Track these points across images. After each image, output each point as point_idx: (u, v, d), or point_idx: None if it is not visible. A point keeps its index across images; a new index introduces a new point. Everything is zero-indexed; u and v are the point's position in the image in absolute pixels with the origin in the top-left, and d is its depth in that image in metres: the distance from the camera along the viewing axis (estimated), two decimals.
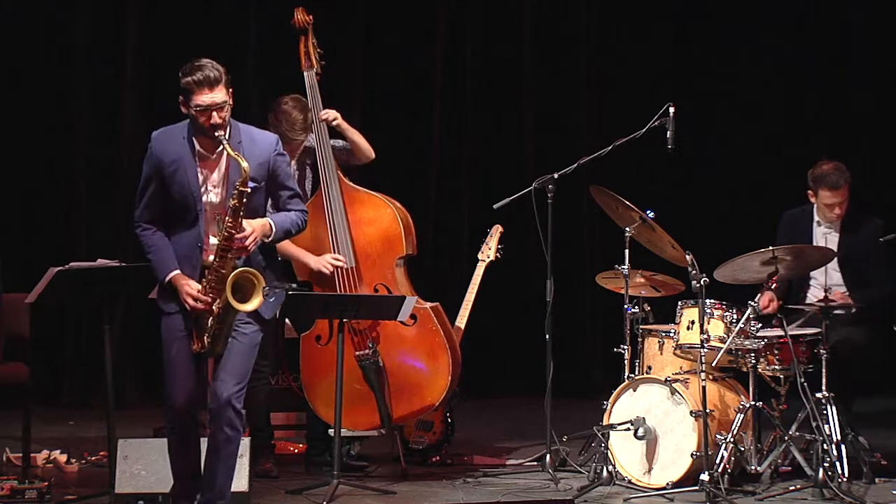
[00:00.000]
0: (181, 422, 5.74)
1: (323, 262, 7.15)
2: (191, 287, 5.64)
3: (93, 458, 7.49)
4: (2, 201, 9.46)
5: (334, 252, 7.17)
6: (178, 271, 5.68)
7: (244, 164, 5.56)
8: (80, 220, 9.73)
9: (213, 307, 5.62)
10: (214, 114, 5.59)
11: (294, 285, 5.98)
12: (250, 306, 5.60)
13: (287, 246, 7.08)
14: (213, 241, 5.67)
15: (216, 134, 5.58)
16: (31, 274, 6.55)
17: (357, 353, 7.12)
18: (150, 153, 5.73)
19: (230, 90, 5.66)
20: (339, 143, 7.38)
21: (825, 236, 7.41)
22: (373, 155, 7.44)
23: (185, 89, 5.62)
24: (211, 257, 5.65)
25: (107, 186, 9.71)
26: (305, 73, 7.34)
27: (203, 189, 5.69)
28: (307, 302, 6.91)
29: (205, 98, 5.58)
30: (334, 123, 7.29)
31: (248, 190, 5.57)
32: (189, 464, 5.80)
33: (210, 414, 5.75)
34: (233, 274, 5.58)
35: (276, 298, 5.85)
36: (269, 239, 5.74)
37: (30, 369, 7.09)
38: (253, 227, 5.62)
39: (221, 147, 5.63)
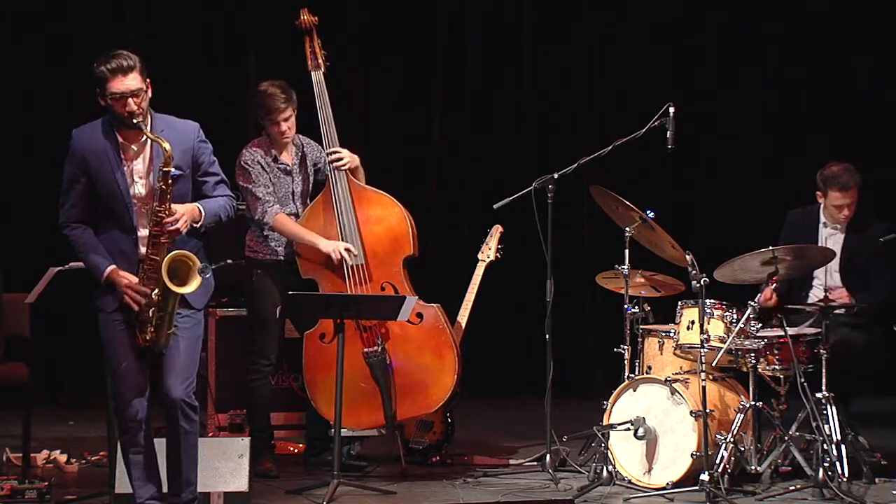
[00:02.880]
0: (134, 423, 5.71)
1: (333, 247, 7.13)
2: (129, 280, 5.61)
3: (93, 458, 7.49)
4: (2, 201, 9.46)
5: None
6: (113, 266, 5.64)
7: (165, 145, 5.54)
8: None
9: (153, 296, 5.59)
10: (130, 101, 5.55)
11: (230, 261, 5.89)
12: (189, 288, 5.57)
13: (299, 231, 7.11)
14: (145, 232, 5.64)
15: (133, 121, 5.54)
16: (31, 274, 6.54)
17: (365, 349, 7.13)
18: (72, 151, 5.70)
19: (147, 80, 5.64)
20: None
21: (830, 237, 7.41)
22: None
23: (99, 78, 5.58)
24: (143, 249, 5.63)
25: None
26: (312, 73, 7.35)
27: (130, 181, 5.66)
28: (308, 302, 6.91)
29: (119, 85, 5.55)
30: (345, 168, 7.25)
31: (172, 170, 5.55)
32: (146, 466, 5.78)
33: (165, 413, 5.73)
34: (167, 258, 5.55)
35: (206, 287, 5.75)
36: (199, 224, 5.69)
37: (30, 369, 7.10)
38: (182, 211, 5.60)
39: (144, 137, 5.60)
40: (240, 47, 9.94)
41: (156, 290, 5.58)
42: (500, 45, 10.42)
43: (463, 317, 7.52)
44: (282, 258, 7.28)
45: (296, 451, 7.74)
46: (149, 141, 5.60)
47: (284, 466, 7.33)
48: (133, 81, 5.56)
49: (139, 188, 5.66)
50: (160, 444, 5.85)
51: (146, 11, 9.80)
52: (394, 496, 6.74)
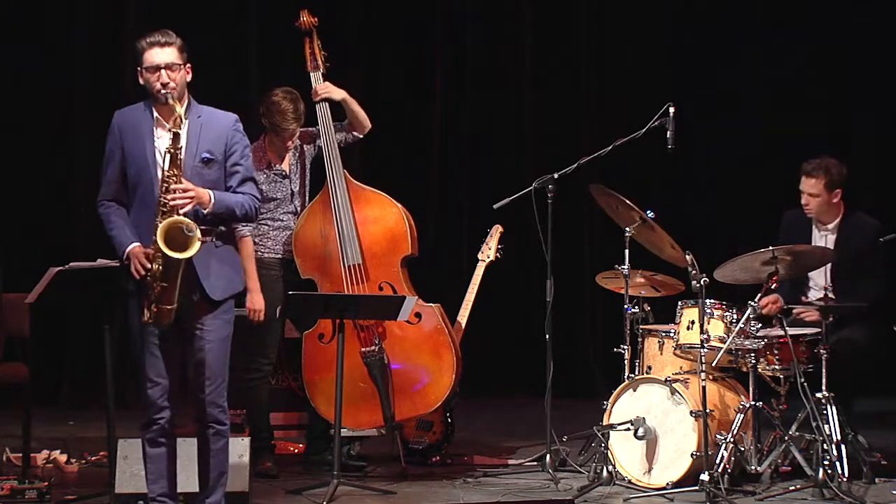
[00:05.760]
0: (155, 417, 5.66)
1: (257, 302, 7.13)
2: (141, 253, 5.58)
3: (93, 458, 7.49)
4: (2, 201, 9.46)
5: (341, 248, 7.17)
6: (136, 244, 5.62)
7: (179, 110, 5.55)
8: (80, 220, 9.72)
9: (154, 265, 5.54)
10: (163, 72, 5.60)
11: (219, 229, 5.75)
12: (186, 254, 5.48)
13: (249, 266, 6.99)
14: None
15: (162, 93, 5.58)
16: (31, 274, 6.54)
17: (363, 349, 7.14)
18: (112, 127, 5.75)
19: (186, 63, 5.67)
20: (337, 124, 7.41)
21: (823, 238, 7.39)
22: (369, 124, 7.47)
23: (138, 52, 5.66)
24: None
25: None
26: (312, 75, 7.37)
27: (160, 157, 5.62)
28: (308, 302, 6.92)
29: (154, 57, 5.61)
30: (325, 95, 7.28)
31: (181, 132, 5.55)
32: (162, 462, 5.74)
33: (195, 416, 5.73)
34: (163, 224, 5.49)
35: (227, 279, 5.72)
36: (207, 210, 5.62)
37: (30, 369, 7.09)
38: (193, 188, 5.55)
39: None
40: (240, 46, 9.93)
41: (157, 261, 5.52)
42: (501, 44, 10.42)
43: (463, 317, 7.52)
44: (280, 257, 7.29)
45: (296, 451, 7.74)
46: (185, 121, 5.60)
47: (284, 466, 7.33)
48: (168, 56, 5.62)
49: (167, 164, 5.61)
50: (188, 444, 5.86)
51: (146, 12, 9.79)
52: (394, 496, 6.74)
